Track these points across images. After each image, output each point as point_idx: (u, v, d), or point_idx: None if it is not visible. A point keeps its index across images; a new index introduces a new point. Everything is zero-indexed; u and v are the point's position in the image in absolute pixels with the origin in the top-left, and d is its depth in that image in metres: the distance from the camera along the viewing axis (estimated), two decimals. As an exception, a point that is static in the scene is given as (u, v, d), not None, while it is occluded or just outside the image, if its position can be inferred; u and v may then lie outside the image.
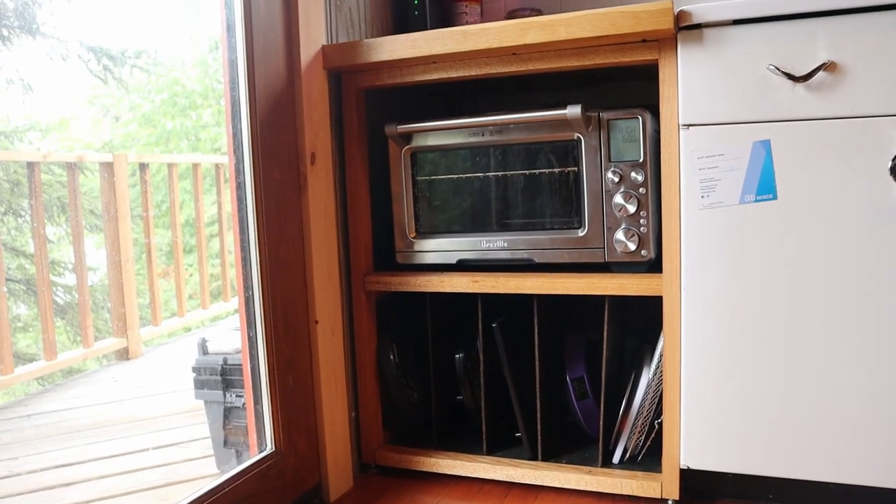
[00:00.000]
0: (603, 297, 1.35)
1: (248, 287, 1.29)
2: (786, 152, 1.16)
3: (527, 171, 1.40)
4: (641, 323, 1.55)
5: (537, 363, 1.40)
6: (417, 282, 1.42)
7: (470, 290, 1.39)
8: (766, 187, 1.19)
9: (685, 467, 1.27)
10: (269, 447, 1.28)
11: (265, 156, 1.26)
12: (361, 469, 1.52)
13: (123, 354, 3.19)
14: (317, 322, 1.35)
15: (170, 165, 3.50)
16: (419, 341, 1.54)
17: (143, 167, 3.31)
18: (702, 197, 1.22)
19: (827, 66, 1.11)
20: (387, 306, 1.56)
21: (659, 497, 1.30)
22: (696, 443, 1.26)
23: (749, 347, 1.21)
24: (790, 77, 1.13)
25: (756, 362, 1.21)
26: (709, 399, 1.25)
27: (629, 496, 1.34)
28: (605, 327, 1.36)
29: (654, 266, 1.32)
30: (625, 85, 1.59)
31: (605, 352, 1.37)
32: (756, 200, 1.19)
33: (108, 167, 3.16)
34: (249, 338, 1.29)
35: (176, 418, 2.30)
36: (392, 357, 1.50)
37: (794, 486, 1.26)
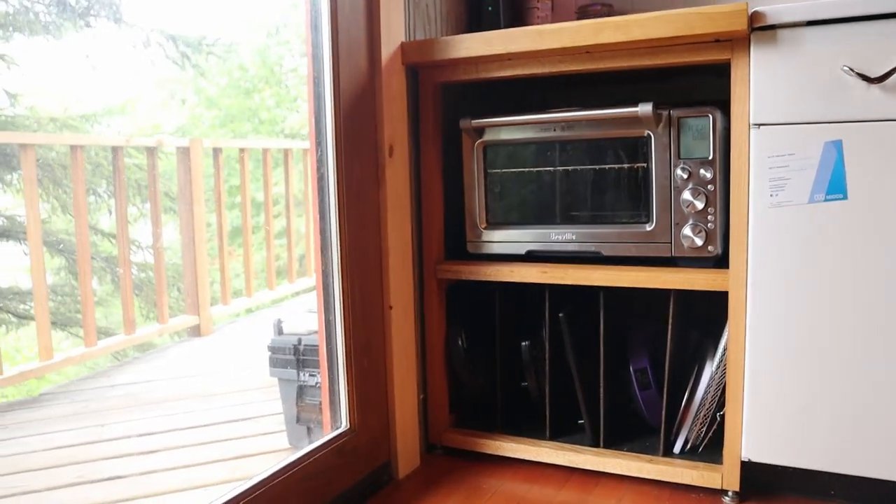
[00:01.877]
0: (668, 290, 1.39)
1: (327, 273, 1.36)
2: (858, 153, 1.17)
3: (596, 166, 1.44)
4: (703, 317, 1.57)
5: (602, 353, 1.44)
6: (487, 271, 1.48)
7: (538, 281, 1.44)
8: (836, 187, 1.20)
9: (746, 460, 1.30)
10: (345, 424, 1.35)
11: (347, 149, 1.32)
12: (428, 449, 1.59)
13: (195, 331, 3.33)
14: (391, 307, 1.41)
15: (241, 150, 3.62)
16: (486, 328, 1.59)
17: (216, 151, 3.43)
18: (771, 195, 1.24)
19: (903, 69, 1.12)
20: (456, 294, 1.61)
21: (719, 488, 1.33)
22: (758, 436, 1.29)
23: (813, 344, 1.23)
24: (865, 78, 1.14)
25: (821, 359, 1.23)
26: (772, 394, 1.27)
27: (689, 486, 1.38)
28: (671, 320, 1.39)
29: (720, 262, 1.34)
30: (694, 80, 1.61)
31: (669, 344, 1.40)
32: (826, 200, 1.21)
33: (184, 152, 3.29)
34: (327, 321, 1.36)
35: (248, 394, 2.41)
36: (460, 343, 1.55)
37: (856, 483, 1.28)
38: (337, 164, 1.31)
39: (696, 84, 1.60)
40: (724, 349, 1.36)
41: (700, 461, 1.39)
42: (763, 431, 1.28)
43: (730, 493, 1.33)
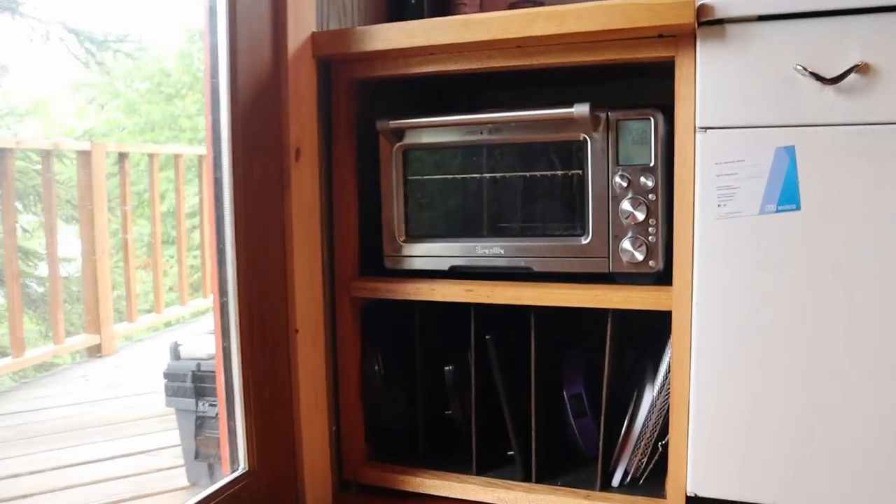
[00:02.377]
0: (606, 310, 1.26)
1: (223, 291, 1.19)
2: (811, 159, 1.07)
3: (527, 174, 1.31)
4: (643, 334, 1.46)
5: (533, 378, 1.30)
6: (406, 289, 1.33)
7: (463, 300, 1.30)
8: (788, 197, 1.10)
9: (692, 495, 1.18)
10: (243, 466, 1.18)
11: (246, 149, 1.16)
12: (342, 487, 1.42)
13: (96, 351, 3.07)
14: (297, 331, 1.25)
15: (150, 156, 3.38)
16: (406, 352, 1.44)
17: (122, 157, 3.19)
18: (718, 206, 1.13)
19: (860, 68, 1.02)
20: (372, 314, 1.46)
21: (663, 528, 1.21)
22: (705, 468, 1.17)
23: (765, 368, 1.13)
24: (819, 78, 1.04)
25: (775, 385, 1.12)
26: (720, 422, 1.16)
27: (630, 525, 1.25)
28: (608, 343, 1.27)
29: (662, 278, 1.23)
30: (637, 83, 1.49)
31: (606, 369, 1.27)
32: (778, 210, 1.10)
33: (85, 156, 3.03)
34: (224, 347, 1.19)
35: (148, 423, 2.19)
36: (377, 368, 1.40)
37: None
38: (234, 166, 1.14)
39: (640, 88, 1.48)
40: (667, 372, 1.24)
41: (641, 496, 1.26)
42: (711, 463, 1.17)
43: (673, 533, 1.21)
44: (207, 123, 1.21)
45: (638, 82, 1.48)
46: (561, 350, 1.45)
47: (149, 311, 3.44)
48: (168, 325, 3.67)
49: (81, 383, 2.74)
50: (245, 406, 1.16)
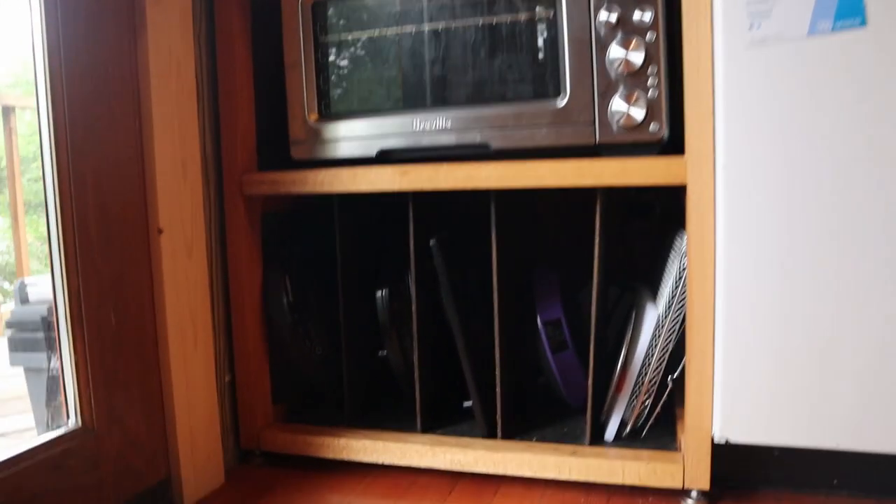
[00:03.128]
0: (592, 195, 0.92)
1: (46, 174, 0.81)
2: (889, -57, 0.74)
3: (480, 20, 0.96)
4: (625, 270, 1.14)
5: (496, 298, 0.95)
6: (318, 178, 0.97)
7: (397, 189, 0.94)
8: (850, 8, 0.77)
9: (722, 441, 0.85)
10: (74, 421, 0.80)
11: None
12: (241, 458, 1.06)
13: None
14: (160, 231, 0.88)
15: None
16: (325, 275, 1.08)
17: None
18: (750, 27, 0.79)
19: None
20: (278, 224, 1.09)
21: (679, 487, 0.87)
22: (741, 405, 0.84)
23: (822, 265, 0.80)
24: None
25: (831, 288, 0.79)
26: (761, 341, 0.82)
27: (633, 487, 0.91)
28: (597, 236, 0.92)
29: (668, 149, 0.90)
30: None
31: (596, 274, 0.93)
32: (835, 29, 0.77)
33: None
34: (50, 252, 0.81)
35: None
36: (284, 296, 1.03)
37: (868, 464, 0.86)
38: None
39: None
40: (679, 279, 0.90)
41: (647, 449, 0.92)
42: (748, 397, 0.84)
43: (694, 494, 0.88)
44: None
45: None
46: (530, 268, 1.11)
47: None
48: None
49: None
50: (73, 333, 0.78)
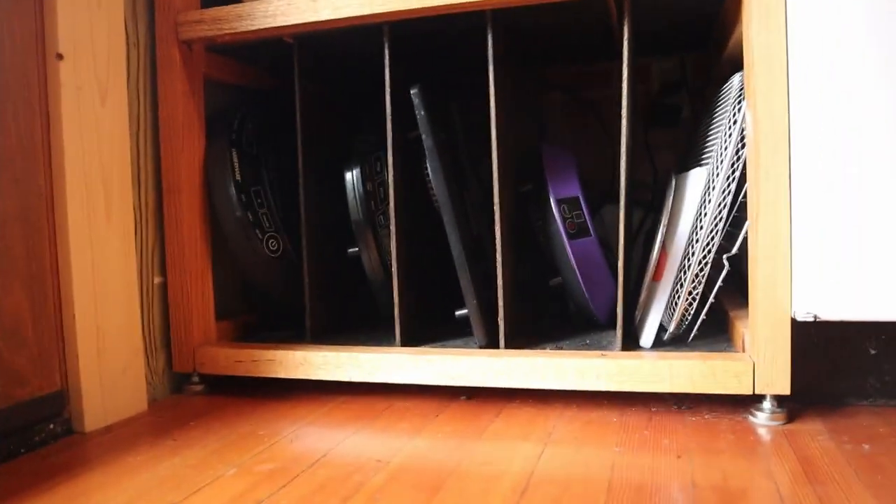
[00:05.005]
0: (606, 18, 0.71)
1: None
2: None
3: None
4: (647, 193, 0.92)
5: (495, 164, 0.73)
6: (269, 10, 0.76)
7: (368, 14, 0.73)
8: None
9: (808, 318, 0.62)
10: None
11: None
12: (176, 383, 0.83)
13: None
14: (60, 56, 0.67)
15: None
16: (283, 155, 0.87)
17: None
18: None
19: None
20: (229, 101, 0.88)
21: (748, 393, 0.64)
22: (827, 270, 0.61)
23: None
24: None
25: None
26: (849, 187, 0.60)
27: (683, 396, 0.68)
28: (625, 56, 0.71)
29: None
30: None
31: (625, 126, 0.71)
32: None
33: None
34: None
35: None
36: (230, 175, 0.82)
37: None
38: None
39: None
40: (734, 126, 0.68)
41: (698, 350, 0.70)
42: (835, 261, 0.61)
43: (768, 404, 0.65)
44: None
45: None
46: (539, 140, 0.89)
47: None
48: None
49: None
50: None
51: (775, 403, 0.64)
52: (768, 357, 0.63)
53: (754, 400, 0.66)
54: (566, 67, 1.09)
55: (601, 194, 1.06)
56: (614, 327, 0.82)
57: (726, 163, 0.68)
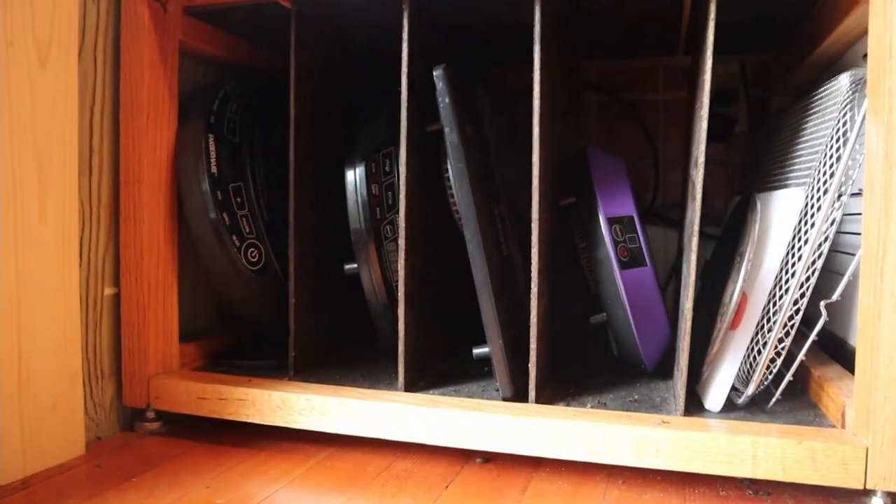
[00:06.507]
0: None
1: None
2: None
3: None
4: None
5: (536, 169, 0.58)
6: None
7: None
8: None
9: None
10: None
11: None
12: (127, 418, 0.68)
13: None
14: (12, 46, 0.52)
15: None
16: (270, 139, 0.72)
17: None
18: None
19: None
20: (206, 66, 0.73)
21: (860, 487, 0.49)
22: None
23: None
24: None
25: None
26: None
27: (767, 484, 0.53)
28: (706, 43, 0.56)
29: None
30: None
31: (703, 130, 0.56)
32: None
33: None
34: None
35: None
36: (204, 166, 0.67)
37: None
38: None
39: None
40: (843, 130, 0.53)
41: (784, 424, 0.54)
42: None
43: (879, 498, 0.50)
44: None
45: None
46: (585, 148, 0.74)
47: None
48: None
49: None
50: None
51: (889, 502, 0.49)
52: (887, 441, 0.48)
53: (859, 493, 0.51)
54: (609, 63, 0.94)
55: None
56: (662, 377, 0.67)
57: (834, 183, 0.53)
